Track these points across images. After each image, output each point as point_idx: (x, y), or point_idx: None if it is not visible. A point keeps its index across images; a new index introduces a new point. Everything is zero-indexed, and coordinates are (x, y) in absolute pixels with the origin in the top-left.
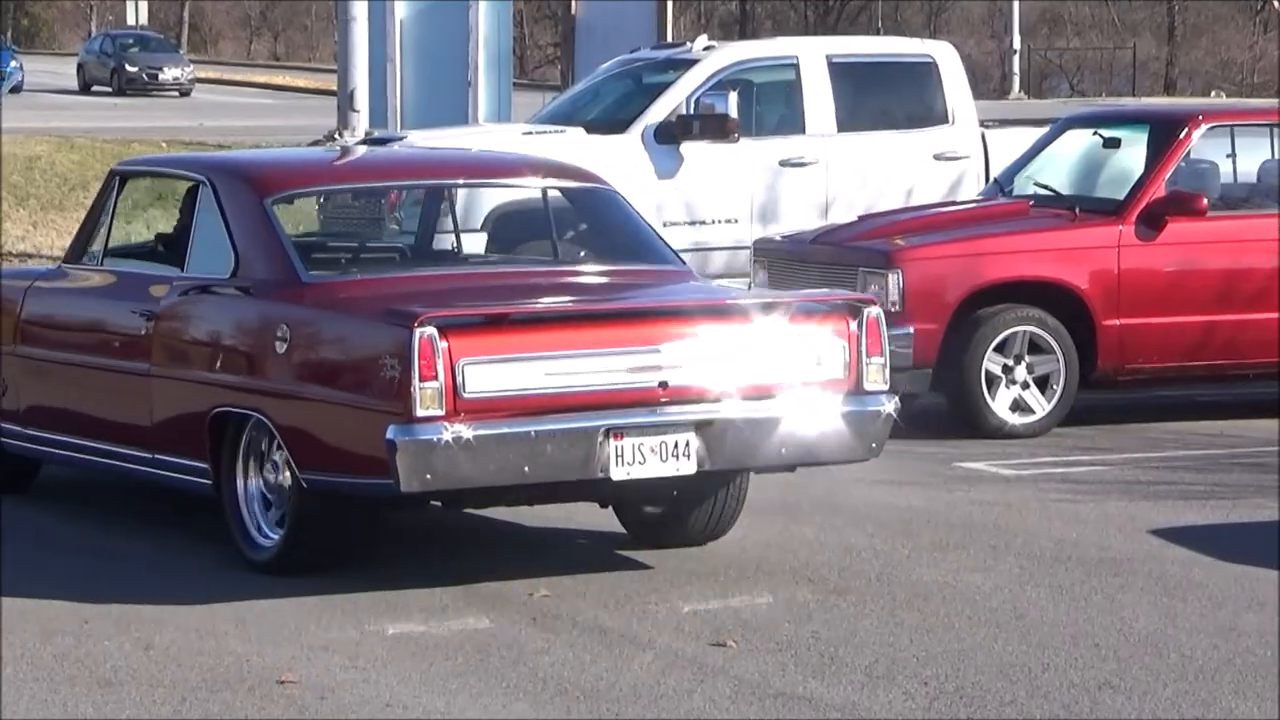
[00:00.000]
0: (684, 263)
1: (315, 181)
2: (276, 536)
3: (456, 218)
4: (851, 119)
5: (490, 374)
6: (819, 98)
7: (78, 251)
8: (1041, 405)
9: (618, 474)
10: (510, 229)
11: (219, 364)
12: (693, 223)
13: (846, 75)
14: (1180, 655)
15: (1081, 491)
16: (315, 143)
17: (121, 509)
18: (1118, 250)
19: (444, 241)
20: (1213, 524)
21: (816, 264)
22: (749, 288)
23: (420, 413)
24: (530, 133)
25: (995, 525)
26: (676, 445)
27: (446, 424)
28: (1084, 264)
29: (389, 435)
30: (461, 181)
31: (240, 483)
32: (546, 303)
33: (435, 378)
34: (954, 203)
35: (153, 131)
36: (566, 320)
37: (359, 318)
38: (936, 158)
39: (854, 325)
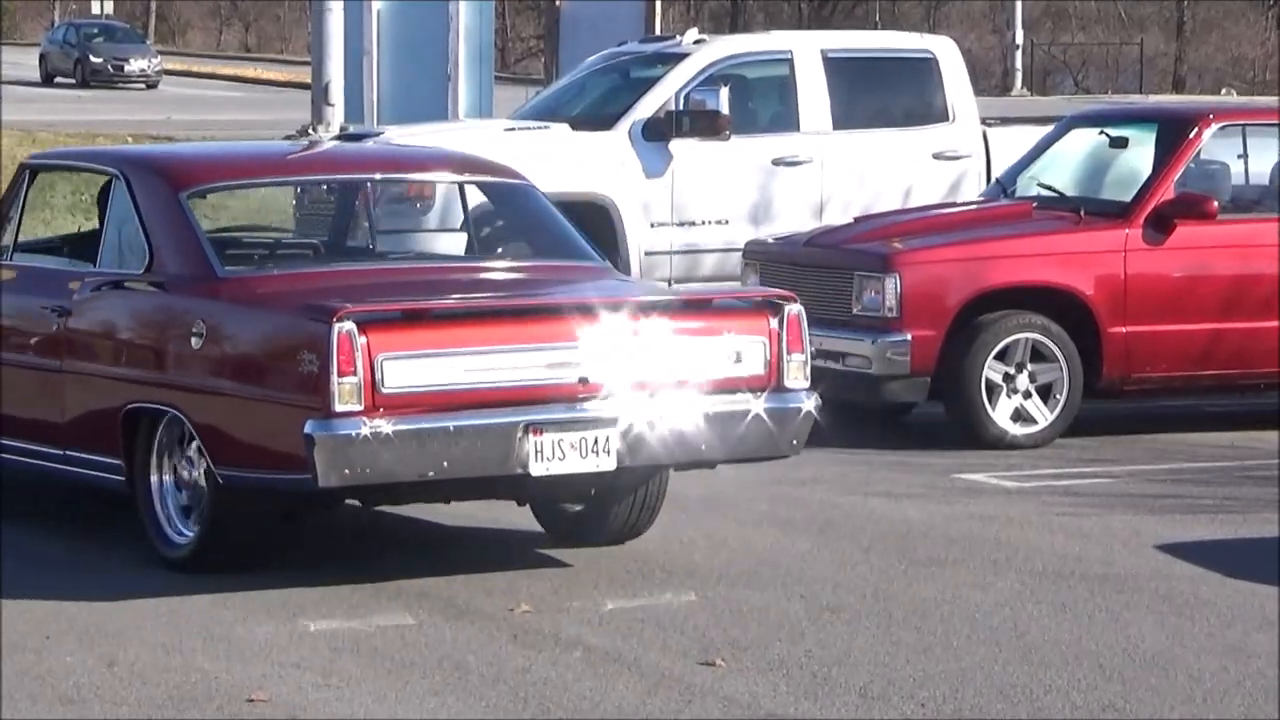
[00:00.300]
0: (603, 259)
1: (230, 175)
2: (191, 534)
3: (430, 218)
4: (848, 116)
5: (409, 369)
6: (814, 94)
7: None
8: (1044, 415)
9: (537, 469)
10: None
11: (133, 359)
12: (682, 224)
13: (843, 71)
14: (1188, 676)
15: (1085, 505)
16: (288, 137)
17: (27, 508)
18: (1124, 255)
19: (361, 237)
20: (1221, 539)
21: (811, 267)
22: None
23: (339, 407)
24: (513, 129)
25: (996, 540)
26: (596, 441)
27: (365, 419)
28: (1089, 269)
29: (307, 430)
30: (378, 176)
31: (154, 479)
32: (465, 298)
33: (354, 373)
34: (954, 204)
35: (119, 125)
36: (485, 316)
37: (276, 313)
38: (936, 157)
39: (774, 322)
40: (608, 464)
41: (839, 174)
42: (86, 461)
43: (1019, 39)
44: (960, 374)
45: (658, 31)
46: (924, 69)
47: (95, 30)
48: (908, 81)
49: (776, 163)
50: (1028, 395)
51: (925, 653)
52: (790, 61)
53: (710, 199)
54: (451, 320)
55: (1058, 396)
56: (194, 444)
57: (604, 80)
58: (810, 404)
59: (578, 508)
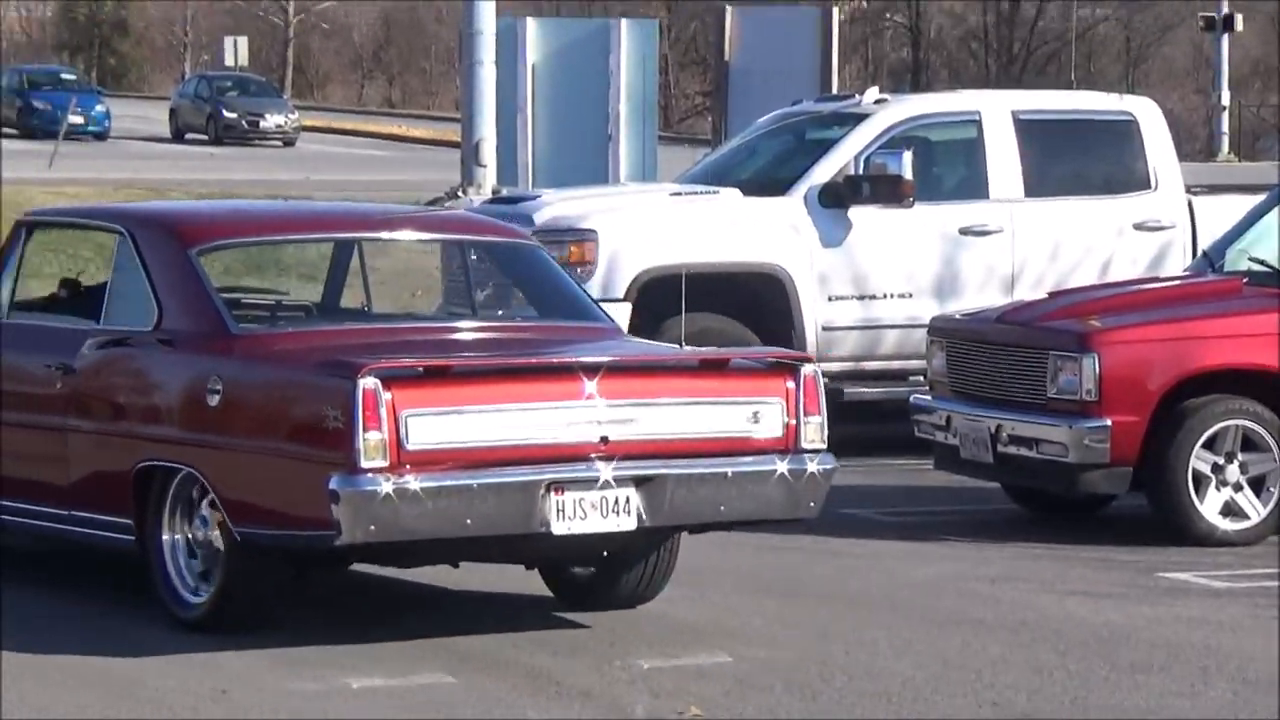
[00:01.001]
0: (612, 320)
1: (239, 233)
2: (205, 593)
3: (592, 285)
4: (1041, 183)
5: (433, 426)
6: (1004, 159)
7: None
8: (1256, 509)
9: (559, 528)
10: (657, 297)
11: (144, 417)
12: (861, 297)
13: (1035, 133)
14: None
15: None
16: (433, 201)
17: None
18: None
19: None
20: None
21: (1001, 346)
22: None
23: (364, 464)
24: (679, 194)
25: (1204, 645)
26: (617, 501)
27: (390, 475)
28: None
29: (332, 485)
30: (385, 236)
31: (166, 538)
32: (488, 356)
33: (379, 428)
34: (1157, 279)
35: (253, 184)
36: (508, 374)
37: (298, 369)
38: (1137, 227)
39: (791, 384)
40: (628, 524)
41: (1031, 245)
42: (93, 521)
43: (1225, 100)
44: (1165, 464)
45: (835, 90)
46: (1123, 132)
47: (229, 84)
48: (1106, 145)
49: (964, 232)
50: (1238, 488)
51: None
52: (978, 123)
53: (892, 271)
54: (474, 378)
55: (1271, 489)
56: (208, 502)
57: (777, 142)
58: (827, 465)
59: (588, 571)
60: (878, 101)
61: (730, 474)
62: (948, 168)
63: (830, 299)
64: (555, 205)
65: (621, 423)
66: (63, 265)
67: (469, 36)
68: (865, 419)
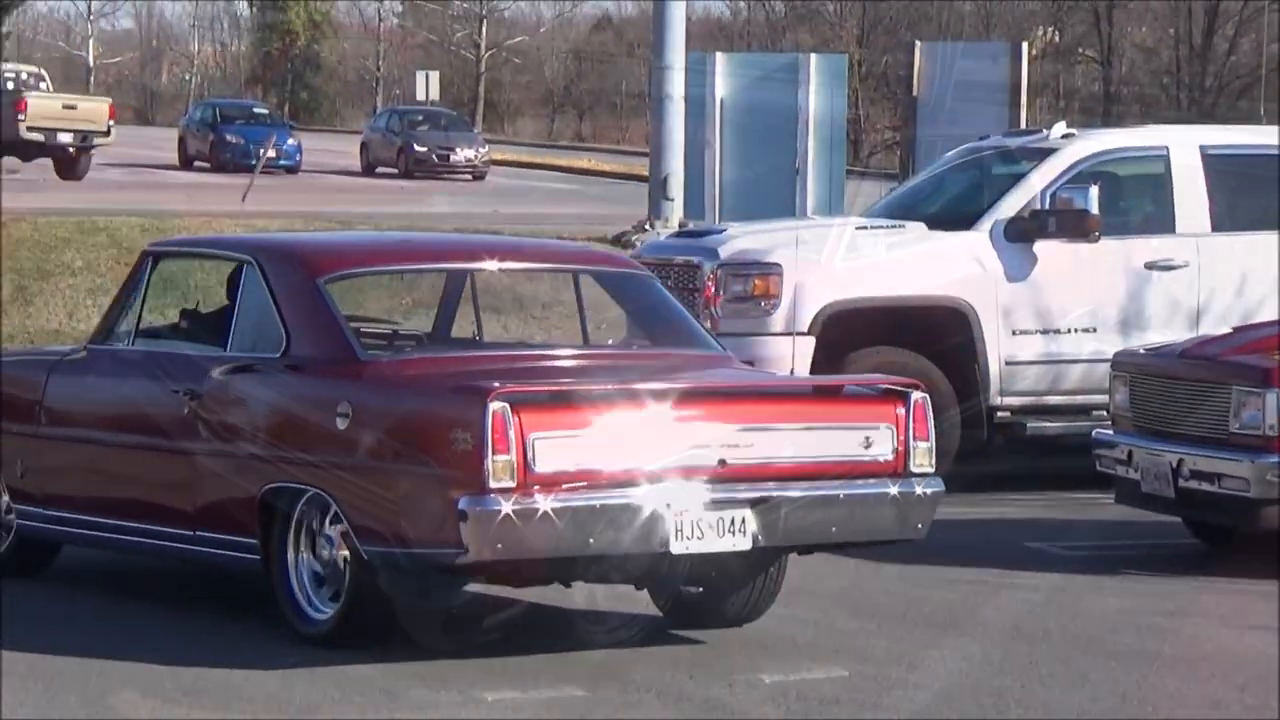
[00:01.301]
0: (724, 348)
1: (365, 263)
2: (329, 610)
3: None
4: (1228, 218)
5: (558, 448)
6: (1191, 193)
7: (105, 332)
8: None
9: (677, 548)
10: (841, 330)
11: (272, 441)
12: (1045, 331)
13: (1223, 168)
14: None
15: None
16: (621, 235)
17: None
18: None
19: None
20: None
21: (1185, 380)
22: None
23: (493, 484)
24: (865, 227)
25: None
26: (733, 521)
27: (517, 495)
28: None
29: (461, 505)
30: (497, 266)
31: (291, 557)
32: (611, 381)
33: (507, 450)
34: None
35: (442, 218)
36: (630, 399)
37: (428, 393)
38: None
39: (901, 410)
40: (743, 544)
41: (1218, 280)
42: (219, 541)
43: None
44: None
45: (1022, 124)
46: None
47: (419, 117)
48: None
49: (1149, 266)
50: None
51: None
52: (1166, 158)
53: (1077, 305)
54: (598, 402)
55: None
56: (334, 522)
57: (963, 176)
58: (935, 489)
59: (696, 590)
60: (1065, 136)
61: (842, 496)
62: (1134, 202)
63: (1014, 333)
64: (740, 239)
65: (738, 446)
66: (184, 295)
67: (658, 71)
68: (1048, 453)
